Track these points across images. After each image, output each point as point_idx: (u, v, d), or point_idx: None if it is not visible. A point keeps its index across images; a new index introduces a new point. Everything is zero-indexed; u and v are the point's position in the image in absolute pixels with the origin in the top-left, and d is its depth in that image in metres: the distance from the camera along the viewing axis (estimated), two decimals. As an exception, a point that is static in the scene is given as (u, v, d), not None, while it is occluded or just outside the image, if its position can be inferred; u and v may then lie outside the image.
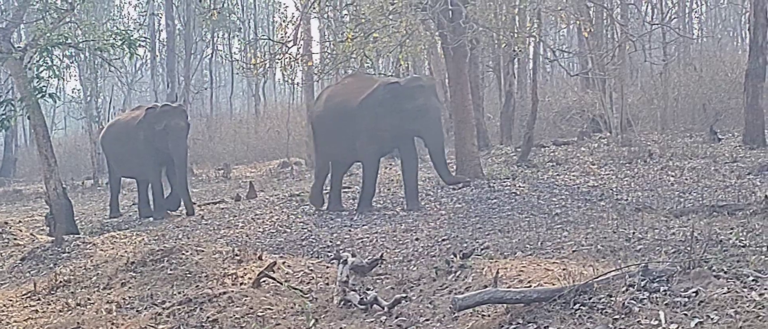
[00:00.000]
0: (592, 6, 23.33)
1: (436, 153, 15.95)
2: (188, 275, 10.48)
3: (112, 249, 13.77)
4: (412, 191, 16.01)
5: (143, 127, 18.62)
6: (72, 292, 10.61)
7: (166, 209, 18.84)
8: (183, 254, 11.20)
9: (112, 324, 8.98)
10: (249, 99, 46.90)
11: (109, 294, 10.30)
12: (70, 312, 9.76)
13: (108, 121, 38.38)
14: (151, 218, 18.57)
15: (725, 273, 6.92)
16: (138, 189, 20.06)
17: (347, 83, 17.53)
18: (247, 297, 9.17)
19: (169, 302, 9.37)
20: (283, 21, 31.14)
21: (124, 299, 9.89)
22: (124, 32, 16.59)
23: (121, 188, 21.33)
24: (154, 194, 19.11)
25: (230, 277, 10.25)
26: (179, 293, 9.72)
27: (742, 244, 9.44)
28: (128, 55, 16.00)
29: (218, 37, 45.01)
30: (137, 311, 9.35)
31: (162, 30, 41.72)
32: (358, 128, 16.02)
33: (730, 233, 10.03)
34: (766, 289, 6.52)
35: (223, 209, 18.24)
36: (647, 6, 31.17)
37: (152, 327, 8.67)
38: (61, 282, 11.05)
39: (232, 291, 9.36)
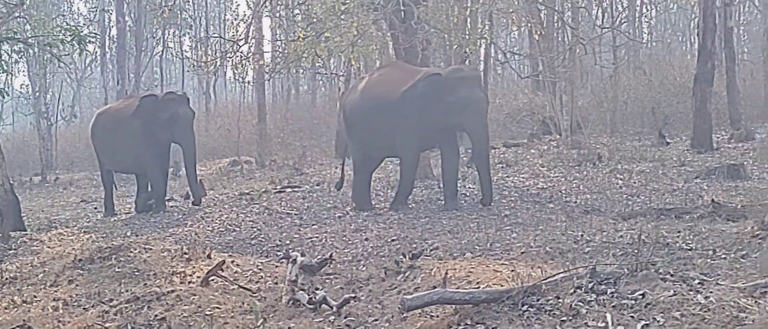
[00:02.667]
0: (543, 9, 23.44)
1: (479, 149, 15.13)
2: (136, 273, 10.43)
3: (60, 246, 13.65)
4: (452, 190, 15.21)
5: (141, 116, 17.72)
6: (18, 289, 10.51)
7: (145, 208, 17.98)
8: (131, 252, 11.14)
9: (59, 321, 8.92)
10: (199, 97, 46.77)
11: (55, 291, 10.21)
12: (16, 309, 9.66)
13: (55, 118, 38.33)
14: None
15: (672, 275, 6.99)
16: (137, 183, 19.06)
17: (385, 72, 16.69)
18: (195, 295, 9.14)
19: (117, 300, 9.31)
20: (235, 19, 31.16)
21: (71, 296, 9.81)
22: (74, 28, 16.47)
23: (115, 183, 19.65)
24: (155, 188, 18.19)
25: (179, 275, 10.21)
26: (127, 291, 9.66)
27: (688, 247, 9.53)
28: (78, 51, 15.89)
29: (169, 34, 44.91)
30: (84, 309, 9.28)
31: (112, 26, 41.46)
32: (399, 122, 15.21)
33: (677, 236, 10.12)
34: (711, 292, 6.59)
35: (172, 207, 18.13)
36: (598, 10, 31.38)
37: (99, 325, 8.62)
38: (7, 279, 10.95)
39: (181, 290, 9.33)
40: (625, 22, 32.21)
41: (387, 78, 16.05)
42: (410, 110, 14.92)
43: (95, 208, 19.77)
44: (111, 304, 9.20)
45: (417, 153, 15.59)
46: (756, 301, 6.42)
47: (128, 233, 14.98)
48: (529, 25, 21.88)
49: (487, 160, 15.09)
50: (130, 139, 17.87)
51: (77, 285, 10.32)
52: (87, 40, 15.94)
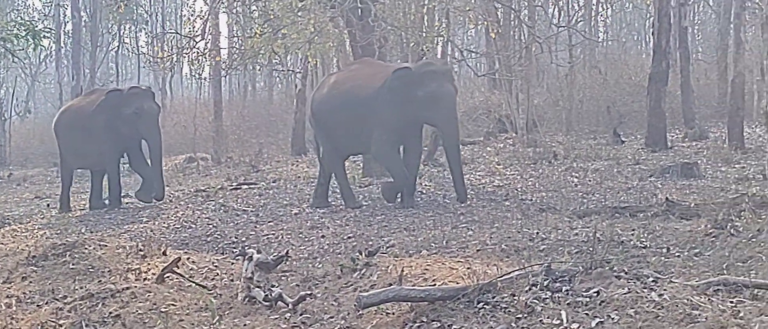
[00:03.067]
0: (500, 7, 23.51)
1: (450, 144, 14.89)
2: (91, 270, 10.34)
3: (13, 242, 13.55)
4: (411, 188, 15.00)
5: (105, 111, 17.38)
6: (-29, 286, 10.42)
7: (146, 199, 17.69)
8: (86, 248, 11.05)
9: (12, 318, 8.84)
10: (155, 93, 46.69)
11: (9, 288, 10.11)
12: (-32, 306, 9.58)
13: (9, 113, 38.02)
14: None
15: (626, 273, 7.02)
16: (91, 180, 18.69)
17: (356, 69, 16.41)
18: (150, 292, 9.09)
19: (71, 297, 9.23)
20: (191, 15, 31.02)
21: (24, 293, 9.72)
22: (28, 23, 16.37)
23: (73, 181, 19.35)
24: (111, 185, 17.95)
25: (134, 272, 10.15)
26: (81, 288, 9.58)
27: (642, 245, 9.60)
28: (32, 46, 15.76)
29: (125, 29, 44.67)
30: (38, 306, 9.20)
31: (68, 21, 41.21)
32: (372, 119, 14.87)
33: (632, 234, 10.19)
34: (665, 290, 6.63)
35: (127, 203, 18.03)
36: (554, 9, 31.49)
37: (53, 322, 8.55)
38: (-41, 275, 10.85)
39: (136, 287, 9.27)
40: (581, 21, 32.40)
41: (358, 74, 15.87)
42: (381, 105, 14.73)
43: (49, 205, 19.58)
44: (65, 301, 9.13)
45: (394, 149, 15.23)
46: (709, 299, 6.47)
47: (83, 230, 14.87)
48: (486, 23, 22.01)
49: (458, 156, 14.96)
50: (94, 135, 17.59)
51: (31, 282, 10.23)
52: (42, 35, 15.84)
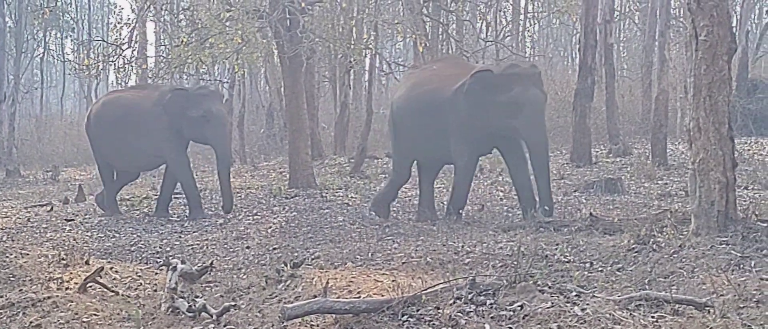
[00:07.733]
0: (428, 21, 23.60)
1: (537, 156, 13.41)
2: (12, 278, 10.21)
3: (-69, 251, 13.33)
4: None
5: (169, 111, 16.34)
6: None
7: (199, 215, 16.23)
8: (6, 257, 10.91)
9: (-71, 328, 8.71)
10: (80, 100, 46.06)
11: (-73, 297, 9.97)
12: None
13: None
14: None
15: (550, 287, 7.08)
16: (104, 182, 17.72)
17: (438, 68, 15.28)
18: (72, 302, 8.99)
19: (-9, 306, 9.13)
20: (118, 22, 30.83)
21: (-58, 302, 9.59)
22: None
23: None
24: (186, 191, 16.79)
25: (56, 281, 10.04)
26: (1, 297, 9.45)
27: (566, 260, 9.67)
28: (-45, 51, 15.53)
29: (50, 36, 44.18)
30: (-43, 314, 9.08)
31: (-8, 26, 40.71)
32: (448, 123, 13.77)
33: (556, 248, 10.25)
34: (588, 304, 6.69)
35: (50, 212, 17.80)
36: (482, 23, 31.68)
37: (-28, 331, 8.45)
38: None
39: (57, 296, 9.17)
40: (508, 36, 32.61)
41: (439, 73, 14.74)
42: (457, 111, 13.70)
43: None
44: (-16, 310, 9.02)
45: (471, 159, 14.16)
46: (631, 314, 6.54)
47: (4, 238, 14.65)
48: (414, 36, 22.03)
49: (547, 169, 13.57)
50: (148, 134, 16.61)
51: (-50, 291, 10.09)
52: (-35, 41, 15.58)
